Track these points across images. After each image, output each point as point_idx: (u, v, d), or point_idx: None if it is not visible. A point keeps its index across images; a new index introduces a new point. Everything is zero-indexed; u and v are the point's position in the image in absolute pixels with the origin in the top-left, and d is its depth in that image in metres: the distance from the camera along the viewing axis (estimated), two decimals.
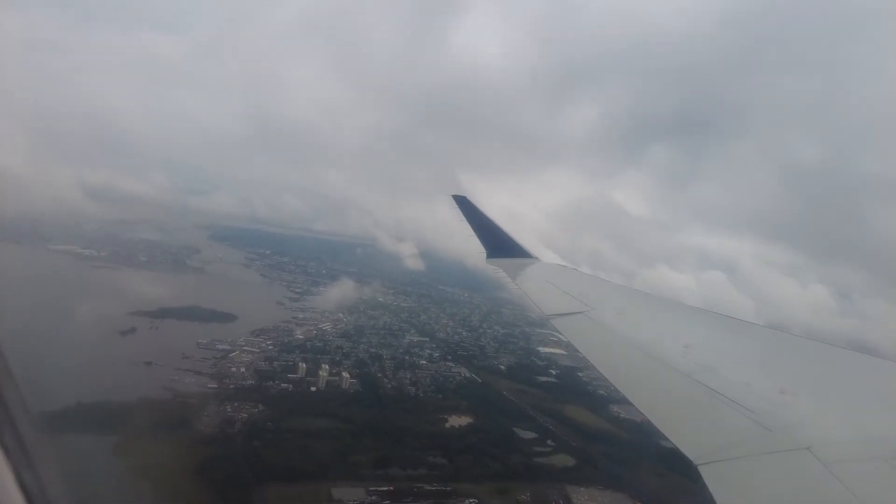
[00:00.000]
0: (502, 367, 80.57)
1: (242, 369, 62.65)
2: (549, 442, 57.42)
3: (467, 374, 74.00)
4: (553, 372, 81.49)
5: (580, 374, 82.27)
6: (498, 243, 14.03)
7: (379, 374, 67.87)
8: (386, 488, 42.89)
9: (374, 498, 41.43)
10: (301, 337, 78.07)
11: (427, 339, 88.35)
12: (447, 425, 57.71)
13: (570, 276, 12.10)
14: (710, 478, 3.65)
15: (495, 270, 12.78)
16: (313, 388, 60.26)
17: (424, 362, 75.63)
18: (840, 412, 4.58)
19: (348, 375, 63.91)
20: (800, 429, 4.06)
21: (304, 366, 63.91)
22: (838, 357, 5.88)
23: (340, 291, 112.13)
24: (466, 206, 15.48)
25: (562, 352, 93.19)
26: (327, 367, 64.85)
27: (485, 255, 13.84)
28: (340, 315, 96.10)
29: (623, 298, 10.17)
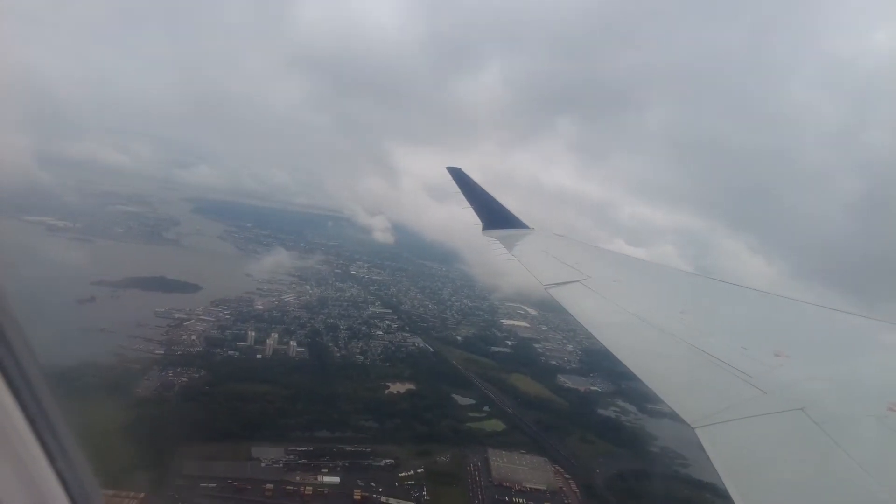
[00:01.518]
0: (459, 338, 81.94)
1: (193, 337, 64.40)
2: (485, 408, 59.11)
3: (421, 345, 75.52)
4: (509, 343, 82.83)
5: (536, 346, 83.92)
6: (493, 215, 14.10)
7: (330, 344, 69.45)
8: (305, 448, 44.74)
9: (291, 457, 43.28)
10: (260, 307, 79.62)
11: (390, 310, 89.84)
12: (387, 392, 59.40)
13: (565, 245, 12.34)
14: (707, 440, 3.70)
15: (491, 241, 12.93)
16: (259, 356, 61.89)
17: (380, 333, 77.19)
18: (833, 373, 4.74)
19: (296, 344, 65.53)
20: (794, 390, 4.19)
21: (253, 334, 65.54)
22: (831, 318, 5.97)
23: (310, 264, 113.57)
24: (461, 178, 15.35)
25: (524, 324, 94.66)
26: (276, 335, 66.40)
27: (481, 227, 13.92)
28: (307, 287, 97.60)
29: (618, 266, 10.45)
